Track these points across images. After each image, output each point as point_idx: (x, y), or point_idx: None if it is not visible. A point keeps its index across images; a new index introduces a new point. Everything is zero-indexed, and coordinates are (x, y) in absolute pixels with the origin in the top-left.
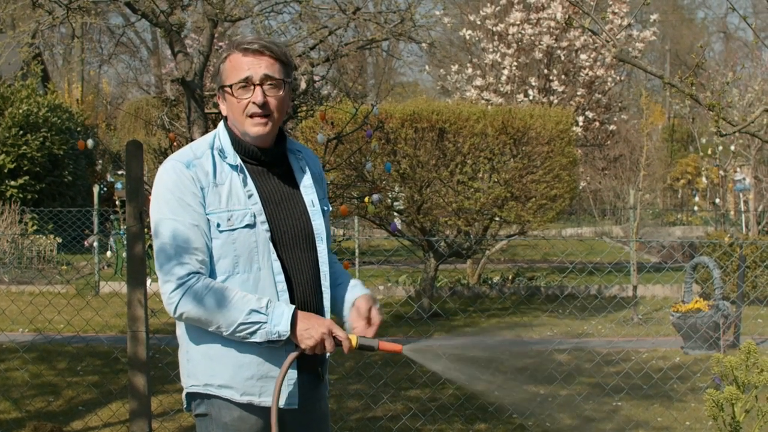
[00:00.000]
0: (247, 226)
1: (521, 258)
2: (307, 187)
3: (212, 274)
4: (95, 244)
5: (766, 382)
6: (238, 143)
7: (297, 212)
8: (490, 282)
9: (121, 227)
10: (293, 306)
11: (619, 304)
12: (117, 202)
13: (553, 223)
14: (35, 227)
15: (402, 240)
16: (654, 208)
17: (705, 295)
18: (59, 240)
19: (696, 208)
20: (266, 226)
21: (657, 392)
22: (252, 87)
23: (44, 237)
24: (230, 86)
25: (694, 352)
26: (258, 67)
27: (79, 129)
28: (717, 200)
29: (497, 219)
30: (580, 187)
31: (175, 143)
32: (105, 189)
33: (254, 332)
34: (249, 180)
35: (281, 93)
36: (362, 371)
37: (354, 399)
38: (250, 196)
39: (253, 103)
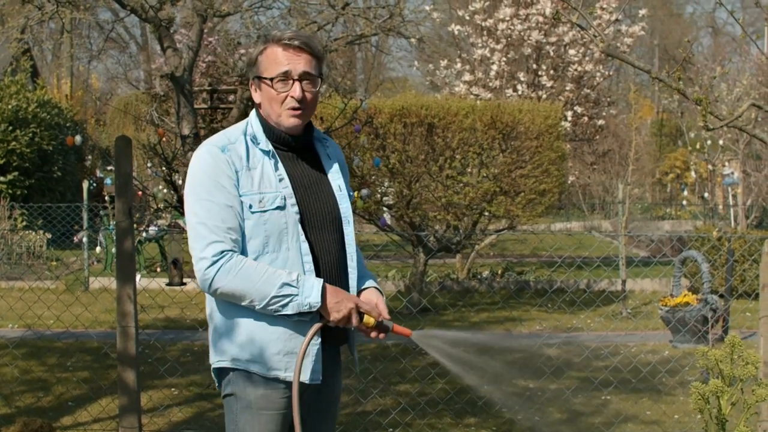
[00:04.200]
0: (277, 208)
1: (510, 252)
2: (334, 172)
3: (243, 253)
4: (84, 239)
5: (751, 375)
6: (270, 130)
7: (325, 196)
8: (479, 276)
9: (111, 223)
10: (321, 279)
11: (608, 299)
12: (106, 198)
13: (542, 218)
14: (24, 223)
15: (391, 235)
16: (643, 203)
17: (694, 289)
18: (49, 236)
19: (685, 202)
20: (296, 208)
21: (646, 386)
22: (291, 81)
23: (34, 233)
24: (270, 79)
25: (682, 345)
26: (297, 63)
27: (68, 125)
28: (705, 194)
29: (486, 214)
30: (569, 182)
31: (164, 139)
32: (94, 184)
33: (286, 305)
34: (280, 165)
35: (316, 89)
36: (351, 366)
37: (343, 394)
38: (281, 180)
39: (292, 97)
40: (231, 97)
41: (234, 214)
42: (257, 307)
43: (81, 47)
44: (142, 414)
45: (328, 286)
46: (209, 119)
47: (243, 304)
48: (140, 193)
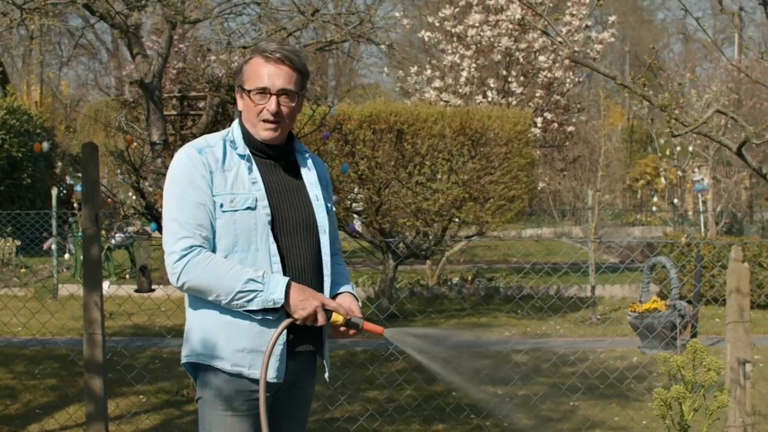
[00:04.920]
0: (248, 208)
1: (481, 259)
2: (311, 183)
3: (214, 251)
4: (53, 246)
5: (713, 381)
6: (248, 138)
7: (300, 203)
8: (449, 283)
9: (80, 230)
10: (288, 277)
11: (577, 305)
12: (75, 205)
13: (512, 224)
14: None
15: (360, 241)
16: (613, 209)
17: (662, 295)
18: (18, 243)
19: (654, 208)
20: (267, 210)
21: (614, 392)
22: (268, 95)
23: (2, 240)
24: (248, 91)
25: (651, 351)
26: (277, 78)
27: (38, 131)
28: (675, 200)
29: (456, 220)
30: (539, 188)
31: (134, 145)
32: (64, 191)
33: (251, 300)
34: (255, 169)
35: (294, 104)
36: (319, 372)
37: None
38: (254, 183)
39: (267, 110)
40: (201, 104)
41: (206, 212)
42: (223, 302)
43: (51, 54)
44: (109, 421)
45: (294, 284)
46: (179, 126)
47: (210, 298)
48: (110, 200)
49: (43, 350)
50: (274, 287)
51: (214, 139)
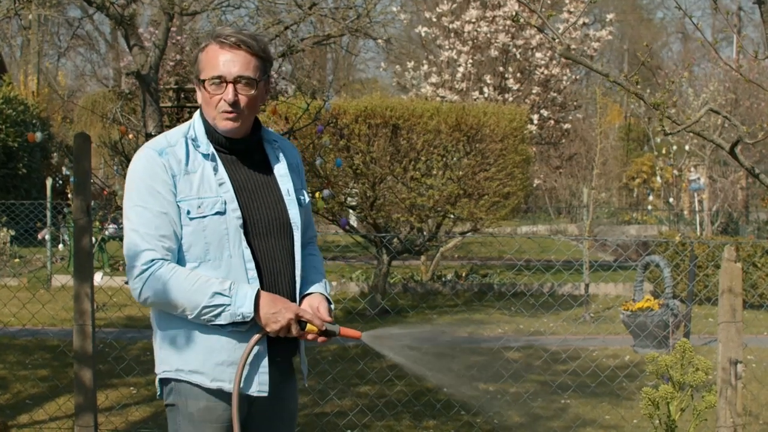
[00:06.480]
0: (217, 213)
1: (475, 255)
2: (282, 176)
3: (182, 261)
4: (47, 237)
5: (701, 381)
6: (211, 133)
7: (271, 200)
8: (443, 279)
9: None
10: (257, 287)
11: (570, 302)
12: (70, 195)
13: (506, 221)
14: None
15: (355, 236)
16: (609, 207)
17: (656, 294)
18: (12, 233)
19: (650, 207)
20: (237, 213)
21: (605, 390)
22: (224, 84)
23: None
24: (203, 81)
25: (644, 350)
26: (232, 65)
27: (34, 121)
28: (670, 199)
29: (450, 216)
30: (535, 185)
31: (131, 136)
32: (61, 182)
33: (218, 314)
34: (221, 168)
35: (254, 91)
36: (310, 367)
37: (302, 394)
38: (221, 184)
39: (224, 100)
40: (197, 96)
41: (168, 221)
42: (190, 317)
43: (49, 44)
44: (98, 413)
45: (264, 294)
46: (175, 117)
47: (176, 313)
48: (105, 191)
49: (35, 341)
50: (242, 300)
51: (175, 136)
